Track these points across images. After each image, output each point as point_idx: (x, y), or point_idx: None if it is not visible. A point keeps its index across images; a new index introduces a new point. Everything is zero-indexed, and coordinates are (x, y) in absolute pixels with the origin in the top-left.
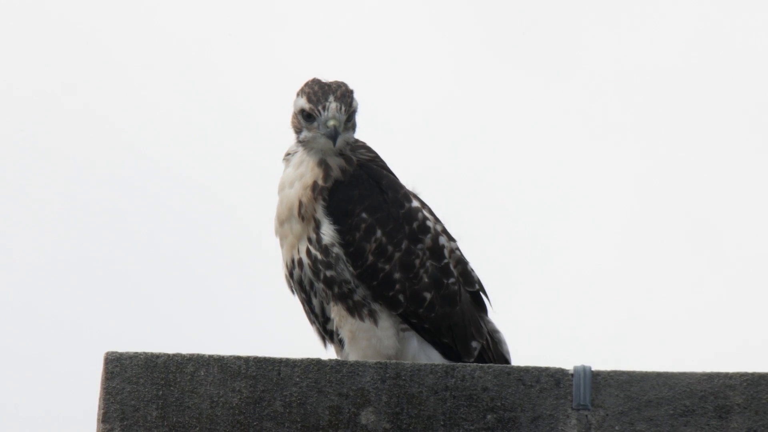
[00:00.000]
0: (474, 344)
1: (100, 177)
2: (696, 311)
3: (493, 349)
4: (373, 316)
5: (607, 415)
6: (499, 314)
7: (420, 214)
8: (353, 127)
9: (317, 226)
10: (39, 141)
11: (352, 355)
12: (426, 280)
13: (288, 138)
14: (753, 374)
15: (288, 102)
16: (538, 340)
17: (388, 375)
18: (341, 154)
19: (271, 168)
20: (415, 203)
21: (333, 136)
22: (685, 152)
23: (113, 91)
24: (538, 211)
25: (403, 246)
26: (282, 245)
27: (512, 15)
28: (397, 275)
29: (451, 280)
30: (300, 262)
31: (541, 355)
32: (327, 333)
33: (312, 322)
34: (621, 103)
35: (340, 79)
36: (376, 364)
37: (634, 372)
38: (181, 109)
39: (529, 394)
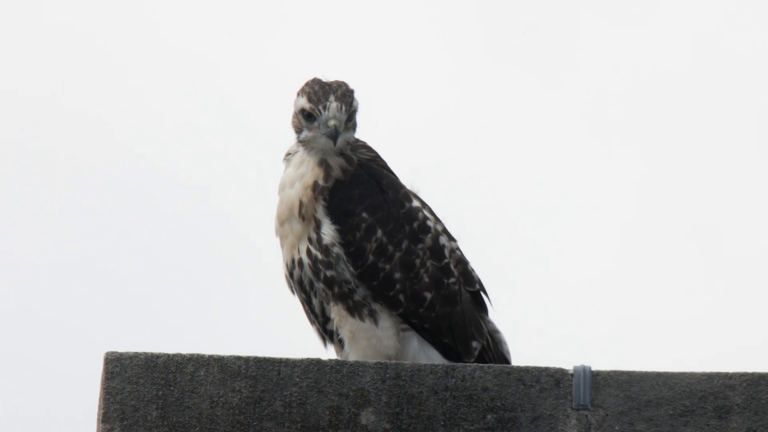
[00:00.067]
0: (474, 344)
1: (99, 178)
2: (696, 311)
3: (494, 349)
4: (373, 316)
5: (606, 415)
6: (499, 314)
7: (420, 214)
8: (354, 127)
9: (318, 226)
10: (39, 142)
11: (352, 355)
12: (426, 279)
13: (288, 138)
14: (753, 374)
15: (288, 102)
16: (538, 340)
17: (388, 375)
18: (342, 153)
19: (270, 168)
20: (416, 203)
21: (333, 135)
22: (685, 153)
23: (112, 91)
24: (539, 211)
25: (404, 246)
26: (282, 245)
27: (511, 16)
28: (397, 275)
29: (452, 279)
30: (300, 261)
31: (541, 355)
32: (327, 333)
33: (312, 322)
34: (620, 103)
35: (340, 79)
36: (376, 364)
37: (633, 372)
38: (181, 111)
39: (529, 394)
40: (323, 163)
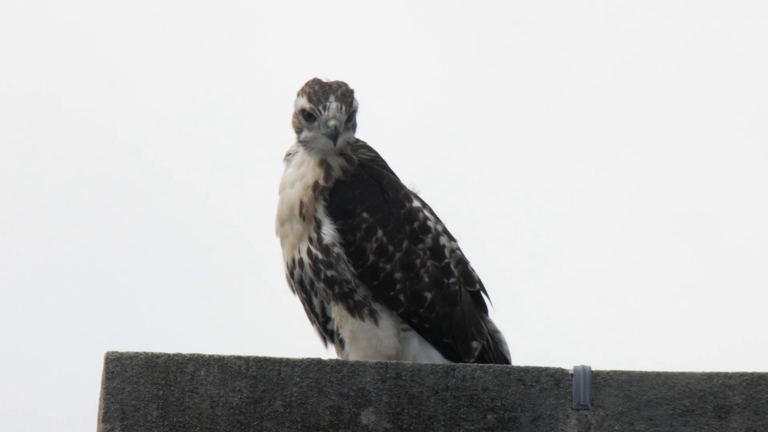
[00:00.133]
0: (474, 344)
1: (99, 178)
2: (696, 310)
3: (494, 349)
4: (373, 316)
5: (606, 415)
6: (499, 314)
7: (421, 214)
8: (354, 127)
9: (318, 226)
10: (39, 142)
11: (353, 355)
12: (427, 280)
13: (288, 138)
14: (752, 374)
15: (287, 103)
16: (538, 340)
17: (388, 375)
18: (342, 153)
19: (269, 169)
20: (416, 203)
21: (334, 135)
22: (683, 151)
23: (111, 92)
24: (538, 210)
25: (404, 246)
26: (283, 245)
27: (509, 16)
28: (397, 275)
29: (452, 280)
30: (301, 261)
31: (541, 355)
32: (328, 333)
33: (312, 322)
34: (618, 102)
35: (340, 79)
36: (376, 364)
37: (633, 372)
38: (183, 111)
39: (529, 394)
40: (323, 163)
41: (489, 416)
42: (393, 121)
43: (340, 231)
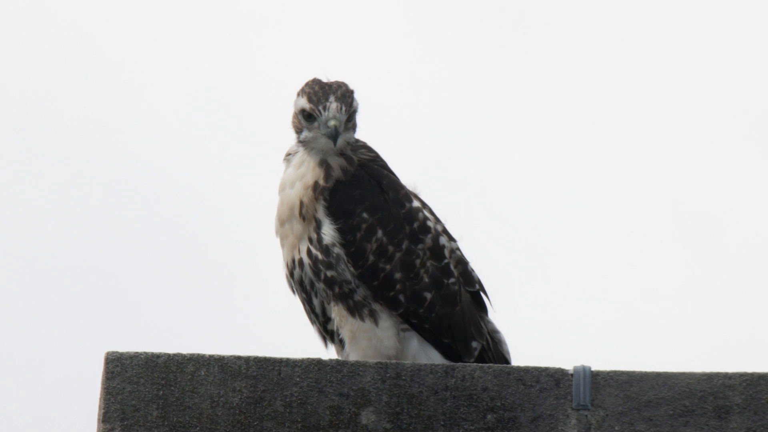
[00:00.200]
0: (474, 344)
1: (99, 178)
2: (695, 310)
3: (494, 350)
4: (373, 316)
5: (606, 415)
6: (499, 314)
7: (420, 214)
8: (354, 127)
9: (318, 226)
10: (39, 142)
11: (353, 355)
12: (426, 280)
13: (288, 139)
14: (752, 374)
15: (287, 103)
16: (538, 340)
17: (388, 375)
18: (342, 154)
19: (268, 169)
20: (416, 203)
21: (334, 136)
22: (683, 150)
23: (110, 92)
24: (538, 210)
25: (404, 246)
26: (282, 245)
27: (508, 16)
28: (397, 275)
29: (452, 280)
30: (300, 262)
31: (541, 355)
32: (328, 333)
33: (312, 322)
34: (618, 103)
35: (340, 79)
36: (376, 364)
37: (633, 372)
38: (182, 112)
39: (529, 394)
40: (323, 164)
41: (489, 416)
42: (392, 121)
43: (340, 231)
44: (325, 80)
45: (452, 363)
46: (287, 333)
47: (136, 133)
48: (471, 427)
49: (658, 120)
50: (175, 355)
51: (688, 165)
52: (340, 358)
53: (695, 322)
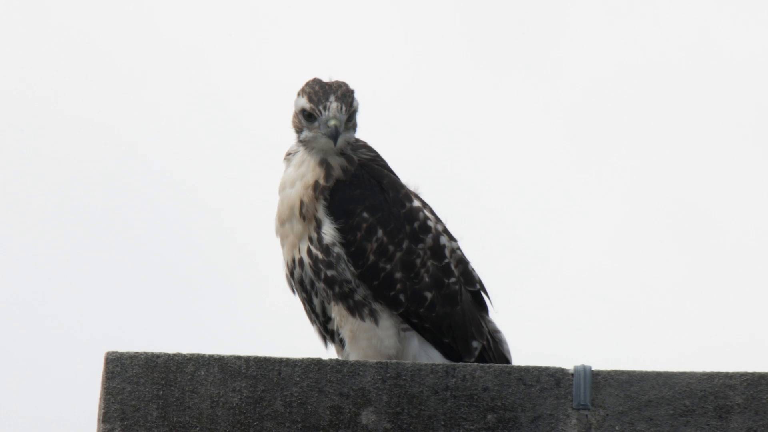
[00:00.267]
0: (474, 344)
1: (99, 179)
2: (696, 310)
3: (494, 349)
4: (373, 316)
5: (607, 414)
6: (499, 314)
7: (421, 214)
8: (354, 127)
9: (318, 226)
10: (39, 142)
11: (353, 355)
12: (427, 279)
13: (288, 138)
14: (753, 374)
15: (287, 103)
16: (538, 340)
17: (388, 375)
18: (342, 153)
19: (268, 169)
20: (416, 203)
21: (334, 135)
22: (682, 150)
23: (109, 92)
24: (538, 210)
25: (404, 246)
26: (283, 245)
27: (507, 17)
28: (398, 275)
29: (452, 279)
30: (301, 261)
31: (542, 355)
32: (328, 333)
33: (313, 322)
34: (616, 103)
35: (340, 79)
36: (376, 363)
37: (634, 372)
38: (183, 113)
39: (530, 394)
40: (324, 163)
41: (489, 416)
42: (392, 121)
43: (341, 231)
44: (325, 80)
45: (453, 363)
46: (287, 333)
47: (135, 133)
48: (471, 427)
49: (657, 120)
50: (175, 355)
51: (688, 165)
52: (340, 358)
53: (695, 322)
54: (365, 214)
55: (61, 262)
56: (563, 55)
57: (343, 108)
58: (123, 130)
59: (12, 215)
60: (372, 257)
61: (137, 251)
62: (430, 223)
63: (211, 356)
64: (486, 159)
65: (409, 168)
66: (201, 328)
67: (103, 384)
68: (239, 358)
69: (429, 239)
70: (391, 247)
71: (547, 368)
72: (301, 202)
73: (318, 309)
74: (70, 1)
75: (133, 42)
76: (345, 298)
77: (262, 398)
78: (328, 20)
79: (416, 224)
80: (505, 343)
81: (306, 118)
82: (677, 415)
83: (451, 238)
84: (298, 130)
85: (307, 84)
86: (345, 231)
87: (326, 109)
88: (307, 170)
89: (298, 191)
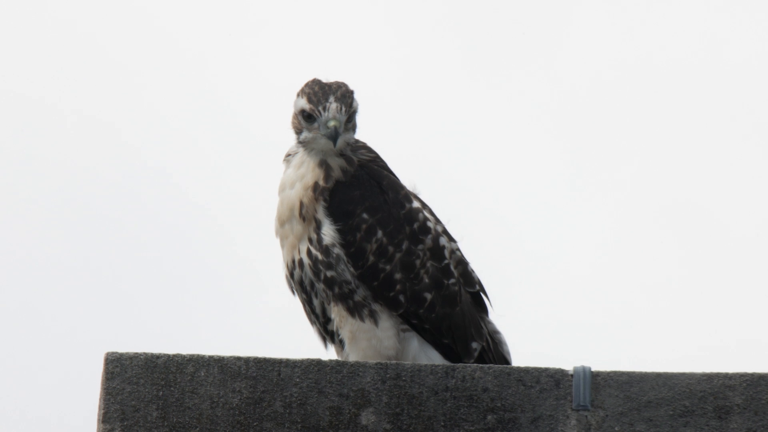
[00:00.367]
0: (474, 345)
1: (99, 179)
2: (696, 310)
3: (494, 350)
4: (373, 317)
5: (606, 415)
6: (499, 315)
7: (421, 215)
8: (354, 128)
9: (318, 227)
10: (39, 143)
11: (353, 356)
12: (426, 280)
13: (288, 139)
14: (752, 375)
15: (287, 104)
16: (538, 340)
17: (388, 375)
18: (342, 154)
19: (268, 171)
20: (416, 204)
21: (333, 136)
22: (682, 150)
23: (109, 93)
24: (538, 210)
25: (404, 246)
26: (282, 246)
27: (506, 17)
28: (397, 276)
29: (452, 280)
30: (300, 262)
31: (541, 355)
32: (328, 333)
33: (312, 323)
34: (615, 103)
35: (340, 80)
36: (376, 364)
37: (633, 372)
38: (180, 112)
39: (529, 395)
40: (323, 164)
41: (489, 417)
42: (392, 122)
43: (340, 232)
44: (324, 81)
45: (452, 364)
46: (287, 333)
47: (135, 134)
48: (471, 428)
49: (657, 120)
50: (174, 355)
51: (688, 165)
52: (340, 359)
53: (695, 322)
54: (365, 215)
55: (61, 262)
56: (564, 55)
57: (343, 109)
58: (123, 130)
59: (12, 215)
60: (372, 258)
61: (137, 252)
62: (430, 224)
63: (210, 357)
64: (485, 159)
65: (410, 168)
66: (201, 329)
67: (102, 384)
68: (239, 358)
69: (429, 240)
70: (390, 248)
71: (546, 369)
72: (301, 203)
73: (318, 310)
74: (71, 1)
75: (133, 42)
76: (345, 298)
77: (261, 399)
78: (328, 20)
79: (416, 225)
80: (505, 344)
81: (305, 118)
82: (677, 416)
83: (451, 239)
84: (298, 131)
85: (307, 84)
86: (345, 232)
87: (326, 110)
88: (307, 171)
89: (298, 192)
